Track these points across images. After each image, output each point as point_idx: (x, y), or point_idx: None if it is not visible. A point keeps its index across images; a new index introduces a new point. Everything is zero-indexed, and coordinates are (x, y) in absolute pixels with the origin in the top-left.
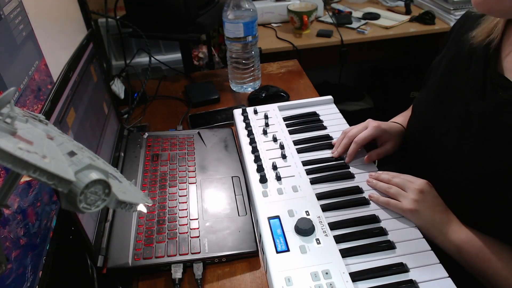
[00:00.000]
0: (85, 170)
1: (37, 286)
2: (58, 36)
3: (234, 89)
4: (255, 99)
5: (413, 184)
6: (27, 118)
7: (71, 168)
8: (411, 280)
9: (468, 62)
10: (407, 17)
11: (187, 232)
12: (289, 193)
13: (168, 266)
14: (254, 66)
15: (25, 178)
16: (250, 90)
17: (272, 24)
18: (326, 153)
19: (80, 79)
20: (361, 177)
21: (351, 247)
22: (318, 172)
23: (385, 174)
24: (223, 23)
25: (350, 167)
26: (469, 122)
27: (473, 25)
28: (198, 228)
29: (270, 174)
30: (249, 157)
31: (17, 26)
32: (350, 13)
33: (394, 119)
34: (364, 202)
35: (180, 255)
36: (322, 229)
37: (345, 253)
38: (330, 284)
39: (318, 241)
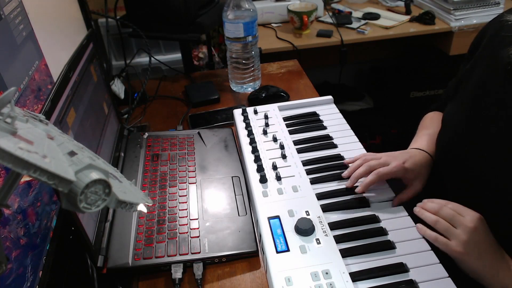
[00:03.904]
0: (86, 170)
1: (37, 286)
2: (58, 36)
3: (234, 89)
4: (255, 99)
5: (464, 219)
6: (28, 118)
7: (72, 168)
8: (411, 280)
9: (506, 78)
10: (407, 17)
11: (187, 232)
12: (289, 193)
13: (168, 266)
14: (254, 66)
15: (25, 178)
16: (250, 90)
17: (272, 24)
18: (326, 153)
19: (80, 79)
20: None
21: (351, 247)
22: (318, 172)
23: (433, 204)
24: (223, 23)
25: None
26: (510, 142)
27: (511, 37)
28: (198, 228)
29: (270, 174)
30: (249, 157)
31: (17, 26)
32: (350, 13)
33: (418, 143)
34: (364, 202)
35: (180, 255)
36: (322, 229)
37: (345, 253)
38: (330, 284)
39: (318, 241)
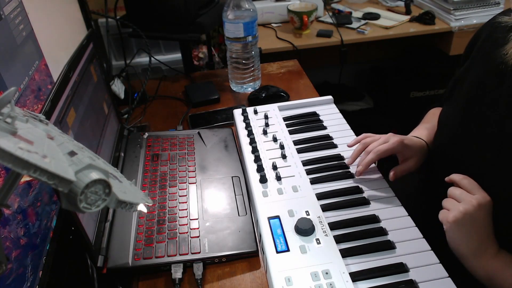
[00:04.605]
0: (86, 170)
1: (37, 286)
2: (58, 36)
3: (234, 89)
4: (255, 99)
5: (472, 196)
6: (28, 118)
7: (72, 168)
8: (411, 280)
9: (500, 79)
10: (407, 17)
11: (187, 232)
12: (289, 193)
13: (168, 266)
14: (254, 66)
15: (25, 178)
16: (250, 90)
17: (272, 24)
18: (326, 153)
19: (80, 79)
20: (367, 185)
21: (351, 247)
22: (318, 172)
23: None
24: (223, 23)
25: (350, 166)
26: (504, 142)
27: (504, 38)
28: (198, 228)
29: (270, 174)
30: (249, 157)
31: (17, 26)
32: (350, 13)
33: (416, 133)
34: (364, 202)
35: (180, 255)
36: (322, 229)
37: (345, 253)
38: (330, 284)
39: (318, 241)
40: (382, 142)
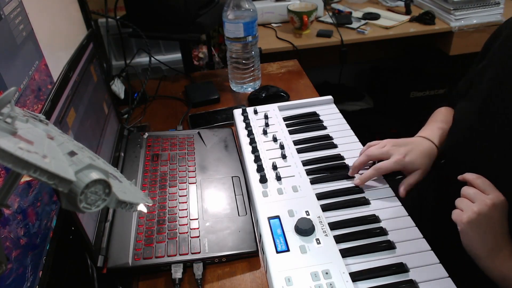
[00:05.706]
0: (86, 170)
1: (37, 286)
2: (58, 36)
3: (234, 89)
4: (255, 99)
5: (486, 196)
6: (28, 118)
7: (72, 168)
8: (411, 280)
9: None
10: (407, 17)
11: (187, 232)
12: (289, 193)
13: (168, 266)
14: (254, 66)
15: (25, 178)
16: (250, 90)
17: (272, 24)
18: (326, 153)
19: (80, 79)
20: (367, 185)
21: (351, 247)
22: (318, 172)
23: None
24: (223, 23)
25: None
26: None
27: None
28: (198, 228)
29: (270, 174)
30: (249, 157)
31: (17, 26)
32: (350, 13)
33: (428, 132)
34: (364, 202)
35: (180, 255)
36: (322, 229)
37: (345, 253)
38: (330, 284)
39: (318, 241)
40: (385, 154)
